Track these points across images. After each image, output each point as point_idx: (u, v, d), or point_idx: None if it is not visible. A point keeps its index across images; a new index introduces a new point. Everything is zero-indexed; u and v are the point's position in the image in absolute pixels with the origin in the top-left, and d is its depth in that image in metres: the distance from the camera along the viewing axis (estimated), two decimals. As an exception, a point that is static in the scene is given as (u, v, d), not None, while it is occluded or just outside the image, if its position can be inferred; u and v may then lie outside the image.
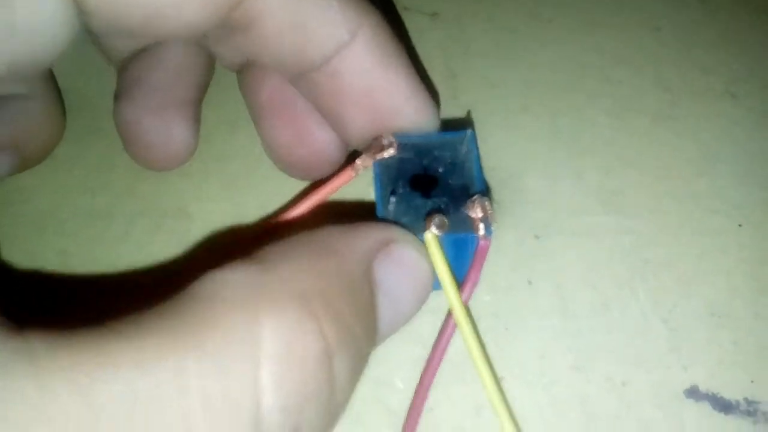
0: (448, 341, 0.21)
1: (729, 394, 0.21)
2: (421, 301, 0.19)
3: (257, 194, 0.26)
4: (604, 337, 0.22)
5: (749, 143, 0.28)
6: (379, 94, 0.21)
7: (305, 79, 0.22)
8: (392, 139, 0.22)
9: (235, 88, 0.29)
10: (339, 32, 0.20)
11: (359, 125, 0.22)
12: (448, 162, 0.22)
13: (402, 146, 0.22)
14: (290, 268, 0.15)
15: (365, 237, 0.18)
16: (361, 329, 0.16)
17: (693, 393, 0.21)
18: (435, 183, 0.22)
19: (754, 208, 0.26)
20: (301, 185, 0.26)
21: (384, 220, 0.20)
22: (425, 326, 0.22)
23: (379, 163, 0.22)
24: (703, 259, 0.24)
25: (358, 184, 0.23)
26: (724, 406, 0.21)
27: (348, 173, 0.22)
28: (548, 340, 0.22)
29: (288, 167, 0.25)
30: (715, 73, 0.30)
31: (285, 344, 0.13)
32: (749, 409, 0.21)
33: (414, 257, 0.18)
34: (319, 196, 0.22)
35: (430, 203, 0.21)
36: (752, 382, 0.22)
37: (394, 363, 0.22)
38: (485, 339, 0.22)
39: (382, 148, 0.22)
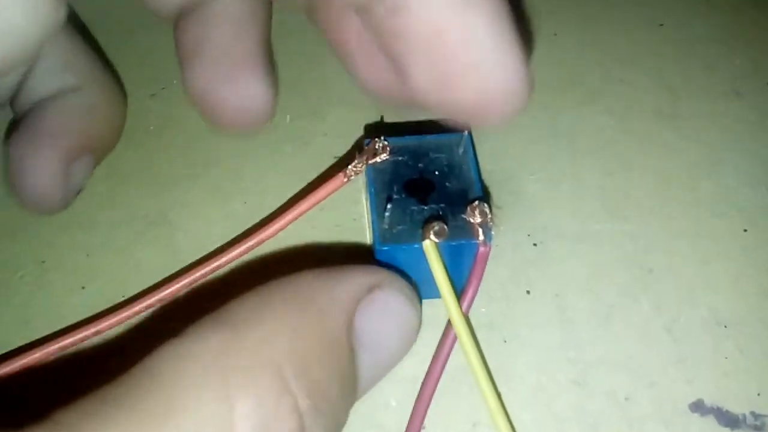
0: (448, 354, 0.20)
1: (735, 407, 0.21)
2: (406, 350, 0.18)
3: (244, 200, 0.25)
4: (606, 349, 0.22)
5: (754, 143, 0.27)
6: (452, 40, 0.16)
7: (368, 14, 0.17)
8: (385, 143, 0.21)
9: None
10: None
11: (424, 78, 0.17)
12: (444, 165, 0.21)
13: (395, 149, 0.21)
14: (262, 331, 0.14)
15: (346, 285, 0.16)
16: (339, 394, 0.15)
17: (698, 407, 0.21)
18: (431, 187, 0.21)
19: (760, 212, 0.25)
20: (292, 188, 0.25)
21: (376, 259, 0.20)
22: (418, 340, 0.21)
23: (373, 168, 0.21)
24: (708, 266, 0.23)
25: (349, 190, 0.22)
26: (730, 420, 0.21)
27: (339, 179, 0.21)
28: (548, 353, 0.21)
29: (388, 104, 0.22)
30: (719, 70, 0.29)
31: (259, 425, 0.12)
32: (756, 423, 0.20)
33: (400, 304, 0.17)
34: (310, 203, 0.21)
35: (427, 209, 0.20)
36: (759, 394, 0.21)
37: (386, 380, 0.21)
38: (482, 352, 0.21)
39: (375, 153, 0.21)
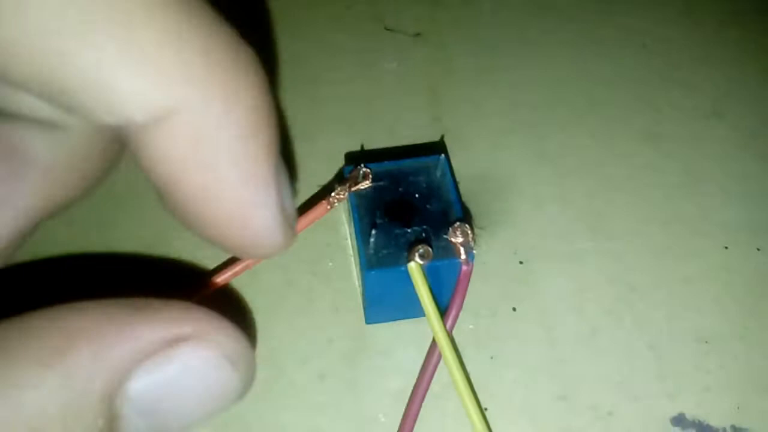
0: (433, 371, 0.21)
1: (716, 421, 0.21)
2: (216, 412, 0.13)
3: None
4: (590, 365, 0.22)
5: (735, 163, 0.27)
6: (189, 195, 0.13)
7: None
8: (366, 170, 0.22)
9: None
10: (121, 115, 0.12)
11: (183, 218, 0.14)
12: (424, 187, 0.22)
13: (376, 175, 0.22)
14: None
15: (128, 340, 0.11)
16: None
17: (679, 421, 0.21)
18: (413, 210, 0.21)
19: (741, 230, 0.25)
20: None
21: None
22: (405, 357, 0.22)
23: (355, 195, 0.22)
24: (690, 284, 0.24)
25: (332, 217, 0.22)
26: (711, 434, 0.21)
27: (322, 207, 0.22)
28: (533, 369, 0.22)
29: None
30: (701, 91, 0.30)
31: None
32: (736, 437, 0.21)
33: (208, 365, 0.12)
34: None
35: (410, 232, 0.21)
36: (738, 408, 0.21)
37: (376, 396, 0.21)
38: (469, 368, 0.22)
39: (357, 180, 0.22)
